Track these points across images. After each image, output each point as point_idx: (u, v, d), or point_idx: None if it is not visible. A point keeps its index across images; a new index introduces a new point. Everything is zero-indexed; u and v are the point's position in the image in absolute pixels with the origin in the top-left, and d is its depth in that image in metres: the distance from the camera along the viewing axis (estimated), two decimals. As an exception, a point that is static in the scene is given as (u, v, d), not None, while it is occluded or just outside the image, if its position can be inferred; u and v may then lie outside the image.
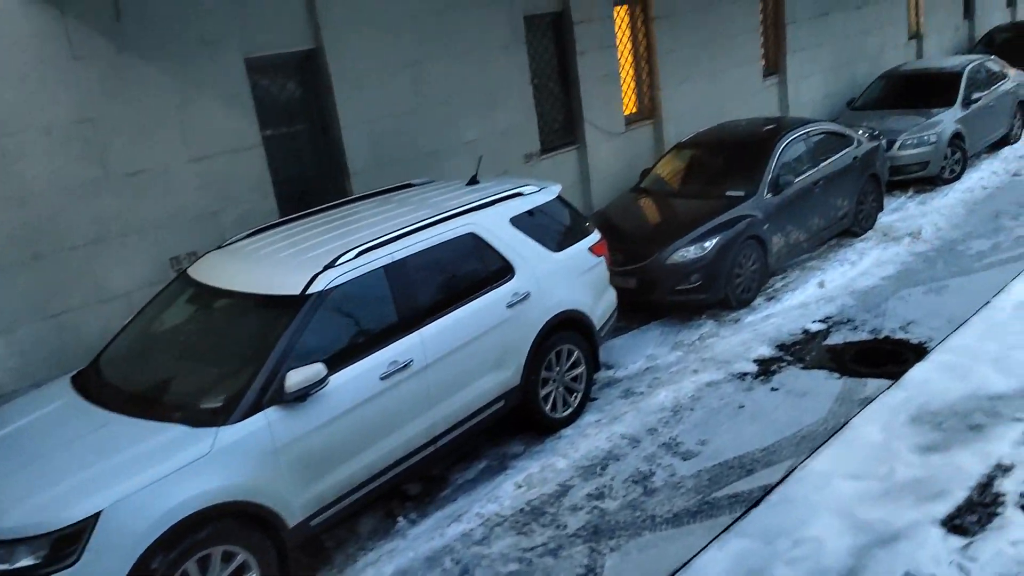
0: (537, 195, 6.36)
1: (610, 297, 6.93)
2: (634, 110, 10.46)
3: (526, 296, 5.93)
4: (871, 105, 12.69)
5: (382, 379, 4.97)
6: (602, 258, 6.73)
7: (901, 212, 10.79)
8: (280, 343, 4.58)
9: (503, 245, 5.91)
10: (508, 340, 5.81)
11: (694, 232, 8.08)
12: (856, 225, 9.95)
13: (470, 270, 5.76)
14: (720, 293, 8.14)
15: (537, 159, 9.01)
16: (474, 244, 5.78)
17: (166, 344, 5.17)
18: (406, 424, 5.15)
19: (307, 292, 4.80)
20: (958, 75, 12.28)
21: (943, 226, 10.01)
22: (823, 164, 9.33)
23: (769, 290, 8.77)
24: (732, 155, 9.27)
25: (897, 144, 11.36)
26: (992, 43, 16.51)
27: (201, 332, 5.15)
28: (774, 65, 12.62)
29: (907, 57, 15.60)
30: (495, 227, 5.91)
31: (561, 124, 9.48)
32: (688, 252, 7.99)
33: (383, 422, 5.00)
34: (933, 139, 11.37)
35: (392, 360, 5.04)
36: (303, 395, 4.51)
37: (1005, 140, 13.18)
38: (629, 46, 10.27)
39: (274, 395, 4.46)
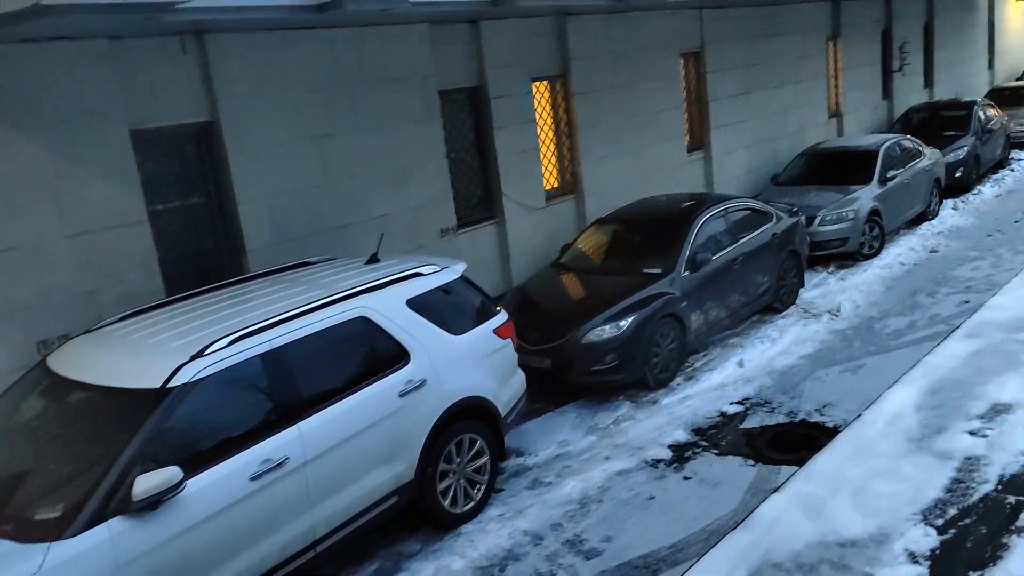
0: (438, 275, 6.09)
1: (518, 381, 6.64)
2: (556, 184, 10.38)
3: (422, 383, 5.60)
4: (793, 181, 12.88)
5: (252, 479, 4.55)
6: (508, 340, 6.46)
7: (822, 288, 10.82)
8: (132, 444, 4.15)
9: (398, 329, 5.59)
10: (401, 431, 5.45)
11: (609, 310, 7.89)
12: (778, 301, 9.91)
13: (360, 357, 5.43)
14: (637, 373, 7.92)
15: (454, 234, 8.80)
16: (365, 328, 5.45)
17: (10, 444, 4.67)
18: (281, 528, 4.72)
19: (168, 385, 4.39)
20: (874, 153, 12.56)
21: (861, 303, 10.04)
22: (742, 241, 9.30)
23: (689, 369, 8.59)
24: (650, 232, 9.19)
25: (817, 220, 11.48)
26: (909, 122, 17.07)
27: (51, 430, 4.67)
28: (698, 141, 12.76)
29: (828, 134, 16.01)
30: (389, 310, 5.60)
31: (479, 198, 9.31)
32: (603, 331, 7.77)
33: (253, 527, 4.56)
34: (851, 215, 11.52)
35: (265, 458, 4.63)
36: (154, 503, 4.07)
37: (923, 216, 13.46)
38: (550, 121, 10.24)
39: (120, 504, 4.01)
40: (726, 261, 8.98)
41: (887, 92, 18.37)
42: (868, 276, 11.07)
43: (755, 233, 9.53)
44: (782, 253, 9.87)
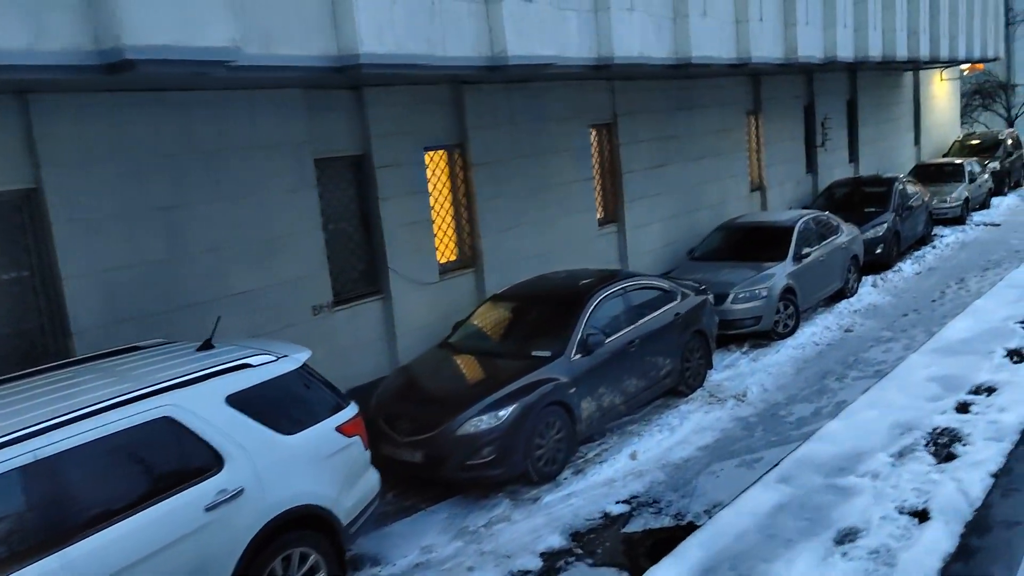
0: (271, 366, 5.43)
1: (368, 484, 5.95)
2: (453, 258, 9.85)
3: (237, 493, 4.89)
4: (709, 256, 12.57)
5: (-9, 624, 3.78)
6: (356, 438, 5.80)
7: (733, 369, 10.38)
8: None
9: (211, 431, 4.90)
10: (208, 550, 4.72)
11: (489, 398, 7.27)
12: (683, 384, 9.42)
13: (160, 465, 4.71)
14: (518, 468, 7.28)
15: (329, 311, 8.16)
16: (170, 431, 4.75)
17: None
18: None
19: None
20: (789, 230, 12.33)
21: (769, 387, 9.60)
22: (642, 321, 8.82)
23: (580, 460, 7.98)
24: (543, 311, 8.68)
25: (730, 298, 11.11)
26: (832, 197, 17.08)
27: None
28: (612, 214, 12.42)
29: (751, 208, 15.87)
30: (203, 408, 4.91)
31: (362, 273, 8.72)
32: (480, 422, 7.15)
33: None
34: (764, 293, 11.19)
35: (11, 596, 3.87)
36: None
37: (841, 293, 13.23)
38: (447, 192, 9.76)
39: None
40: (623, 343, 8.48)
41: (811, 166, 18.43)
42: (780, 357, 10.68)
43: (656, 313, 9.07)
44: (686, 334, 9.42)
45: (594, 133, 12.04)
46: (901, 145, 23.53)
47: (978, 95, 37.94)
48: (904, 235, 15.99)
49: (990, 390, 8.42)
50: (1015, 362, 9.06)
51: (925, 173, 20.93)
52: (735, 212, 15.08)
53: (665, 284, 9.53)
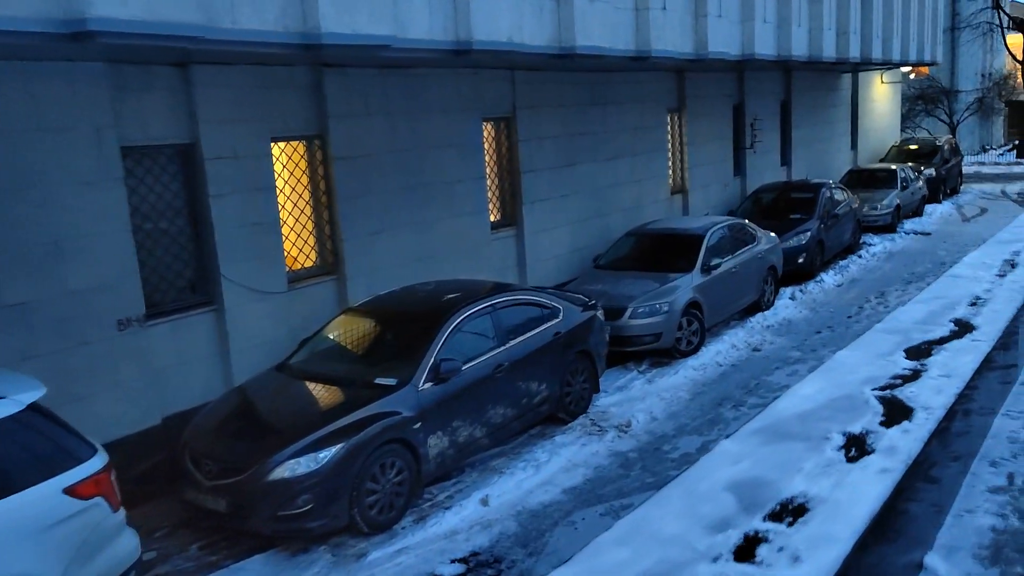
0: (-27, 413, 4.30)
1: (118, 555, 4.83)
2: (312, 263, 8.73)
3: None
4: (615, 264, 11.63)
5: None
6: (97, 499, 4.68)
7: (625, 393, 9.44)
8: None
9: None
10: None
11: (309, 437, 6.20)
12: (563, 411, 8.46)
13: None
14: (342, 518, 6.23)
15: (140, 325, 6.99)
16: None
17: None
18: None
19: None
20: (699, 238, 11.45)
21: (659, 415, 8.69)
22: (512, 343, 7.82)
23: (426, 504, 6.96)
24: (395, 331, 7.64)
25: (628, 312, 10.19)
26: (759, 202, 16.32)
27: None
28: (510, 216, 11.41)
29: (671, 212, 15.01)
30: None
31: (189, 280, 7.56)
32: (297, 465, 6.07)
33: None
34: (665, 308, 10.28)
35: None
36: None
37: (756, 307, 12.42)
38: (303, 189, 8.63)
39: None
40: (488, 368, 7.47)
41: (739, 169, 17.65)
42: (678, 379, 9.79)
43: (532, 333, 8.08)
44: (568, 355, 8.45)
45: (489, 127, 11.00)
46: (837, 149, 22.95)
47: (921, 100, 37.89)
48: (829, 244, 15.28)
49: (798, 512, 5.89)
50: (850, 458, 6.03)
51: (858, 179, 20.36)
52: (653, 216, 14.19)
53: (545, 299, 8.53)
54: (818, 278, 14.34)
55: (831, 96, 22.16)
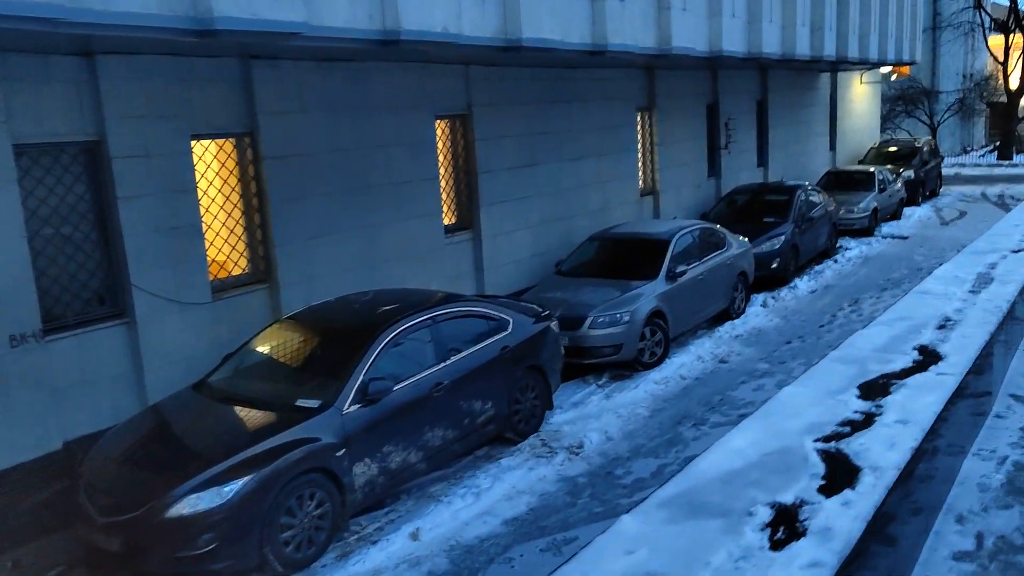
0: None
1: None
2: (238, 271, 8.11)
3: None
4: (577, 270, 11.06)
5: None
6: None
7: (580, 409, 8.88)
8: None
9: None
10: None
11: (215, 467, 5.59)
12: (511, 430, 7.89)
13: None
14: (251, 559, 5.63)
15: (38, 341, 6.35)
16: None
17: None
18: None
19: None
20: (664, 243, 10.90)
21: (615, 434, 8.13)
22: (454, 359, 7.23)
23: (353, 537, 6.37)
24: (324, 347, 7.03)
25: (587, 322, 9.63)
26: (732, 204, 15.81)
27: None
28: (466, 219, 10.82)
29: (640, 214, 14.48)
30: None
31: (96, 291, 6.92)
32: (199, 500, 5.46)
33: None
34: (627, 318, 9.72)
35: None
36: None
37: (726, 315, 11.89)
38: (231, 191, 8.00)
39: None
40: (425, 387, 6.88)
41: (714, 170, 17.14)
42: (638, 394, 9.23)
43: (476, 348, 7.50)
44: (517, 370, 7.88)
45: (443, 125, 10.41)
46: (814, 150, 22.51)
47: (901, 101, 37.61)
48: (804, 248, 14.79)
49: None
50: (773, 544, 4.11)
51: (835, 180, 19.92)
52: (621, 219, 13.66)
53: (493, 311, 7.95)
54: (792, 284, 13.85)
55: (808, 96, 21.71)
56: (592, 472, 7.36)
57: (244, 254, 8.11)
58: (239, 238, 8.08)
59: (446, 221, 10.50)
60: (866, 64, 21.23)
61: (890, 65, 23.62)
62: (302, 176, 8.33)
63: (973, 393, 6.81)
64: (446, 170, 10.53)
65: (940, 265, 12.16)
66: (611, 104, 13.32)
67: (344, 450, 6.14)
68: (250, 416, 6.27)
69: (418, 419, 6.81)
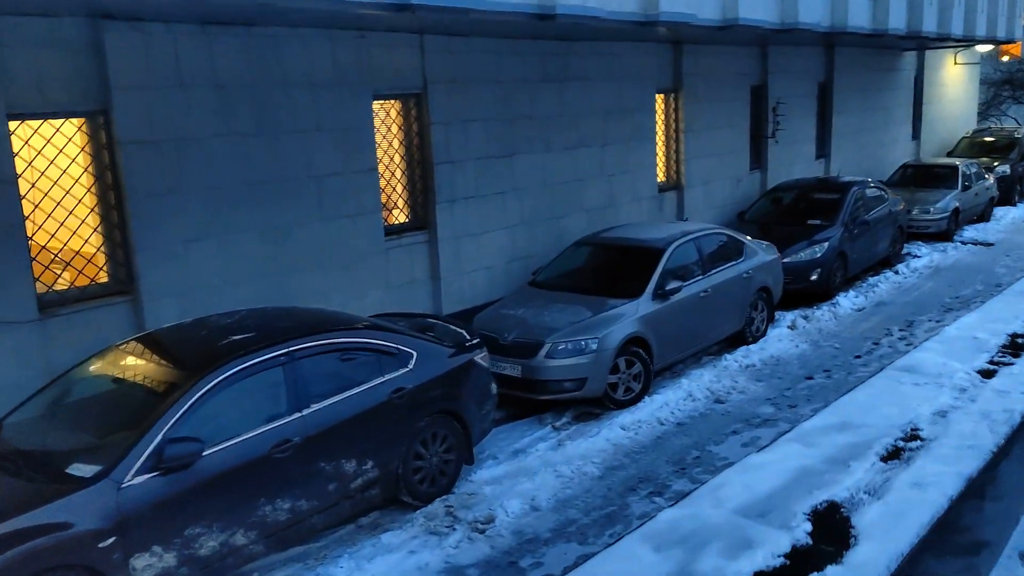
0: None
1: None
2: (91, 280, 6.68)
3: None
4: (554, 282, 9.25)
5: None
6: None
7: (518, 461, 7.14)
8: None
9: None
10: None
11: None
12: (411, 493, 6.26)
13: None
14: None
15: None
16: None
17: None
18: None
19: None
20: (656, 253, 8.98)
21: (543, 503, 6.37)
22: (315, 408, 5.62)
23: (140, 646, 4.86)
24: (132, 389, 5.49)
25: (544, 350, 7.87)
26: (776, 203, 13.61)
27: None
28: (421, 218, 9.16)
29: (659, 212, 12.50)
30: None
31: None
32: None
33: None
34: (593, 346, 7.90)
35: None
36: None
37: (740, 338, 9.89)
38: (75, 181, 6.56)
39: None
40: (261, 447, 5.30)
41: (759, 162, 14.92)
42: (597, 443, 7.42)
43: (353, 392, 5.88)
44: (419, 418, 6.23)
45: (389, 107, 8.75)
46: (893, 140, 19.81)
47: (1008, 85, 33.71)
48: (855, 257, 12.52)
49: None
50: None
51: (912, 175, 17.33)
52: (631, 217, 11.77)
53: (390, 341, 6.27)
54: (835, 300, 11.65)
55: (887, 78, 19.04)
56: (491, 561, 5.65)
57: (94, 261, 6.68)
58: (95, 242, 6.65)
59: (390, 220, 8.88)
60: (967, 42, 18.40)
61: (993, 43, 20.53)
62: (176, 165, 6.84)
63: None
64: (392, 160, 8.88)
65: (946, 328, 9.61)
66: (622, 84, 11.37)
67: (115, 539, 4.61)
68: (13, 483, 4.82)
69: (250, 489, 5.24)
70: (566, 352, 7.87)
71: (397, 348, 6.26)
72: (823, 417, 6.38)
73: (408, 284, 8.98)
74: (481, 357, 6.89)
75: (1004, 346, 9.02)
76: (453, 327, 7.22)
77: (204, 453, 5.00)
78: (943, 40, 16.08)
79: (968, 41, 17.73)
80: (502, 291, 9.76)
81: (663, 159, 12.74)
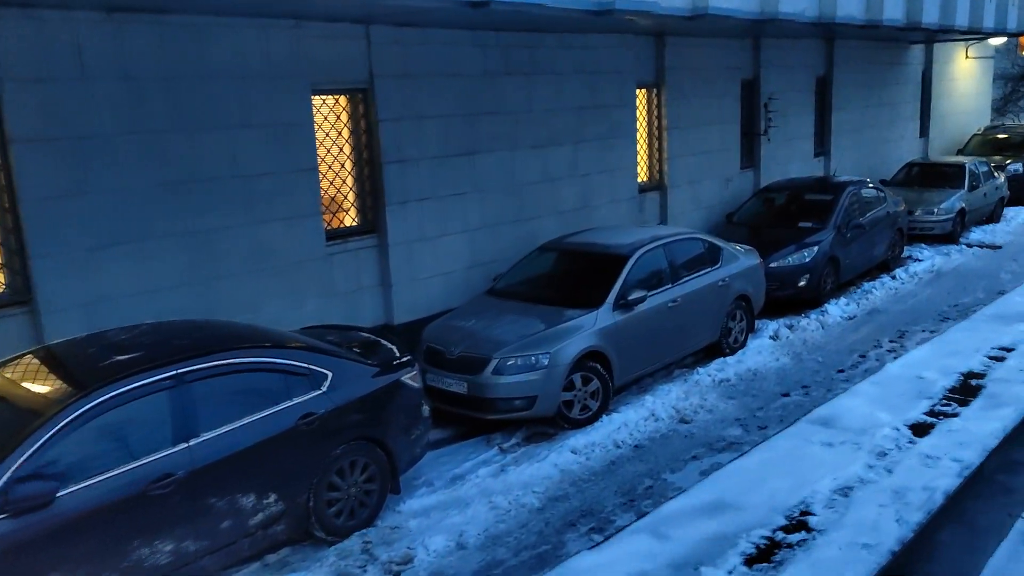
0: None
1: None
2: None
3: None
4: (513, 290, 8.64)
5: None
6: None
7: (454, 489, 6.53)
8: None
9: None
10: None
11: None
12: (323, 527, 5.70)
13: None
14: None
15: None
16: None
17: None
18: None
19: None
20: (619, 260, 8.33)
21: (470, 539, 5.77)
22: (204, 438, 5.05)
23: None
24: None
25: (491, 366, 7.26)
26: (767, 204, 12.90)
27: None
28: (369, 221, 8.56)
29: (640, 214, 11.84)
30: None
31: None
32: None
33: None
34: (544, 361, 7.29)
35: None
36: None
37: (716, 349, 9.24)
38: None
39: None
40: (136, 483, 4.73)
41: (751, 160, 14.21)
42: (543, 469, 6.80)
43: (252, 419, 5.29)
44: (334, 446, 5.65)
45: (332, 102, 8.16)
46: (899, 137, 19.01)
47: (1027, 81, 32.68)
48: (849, 261, 11.80)
49: None
50: None
51: (917, 175, 16.53)
52: (608, 220, 11.13)
53: (298, 363, 5.66)
54: (823, 308, 10.95)
55: (893, 72, 18.24)
56: (395, 612, 5.05)
57: (6, 273, 6.13)
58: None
59: (335, 224, 8.29)
60: (974, 34, 17.56)
61: (1004, 36, 19.63)
62: (80, 165, 6.28)
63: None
64: (336, 160, 8.29)
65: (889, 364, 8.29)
66: (597, 78, 10.72)
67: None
68: None
69: (121, 530, 4.67)
70: (515, 368, 7.25)
71: (309, 368, 5.67)
72: (697, 493, 5.19)
73: (355, 292, 8.39)
74: (411, 377, 6.29)
75: (952, 390, 7.50)
76: (386, 343, 6.62)
77: (61, 493, 4.43)
78: (948, 32, 15.26)
79: (975, 33, 16.87)
80: (461, 299, 9.15)
81: (645, 158, 12.08)
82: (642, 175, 12.00)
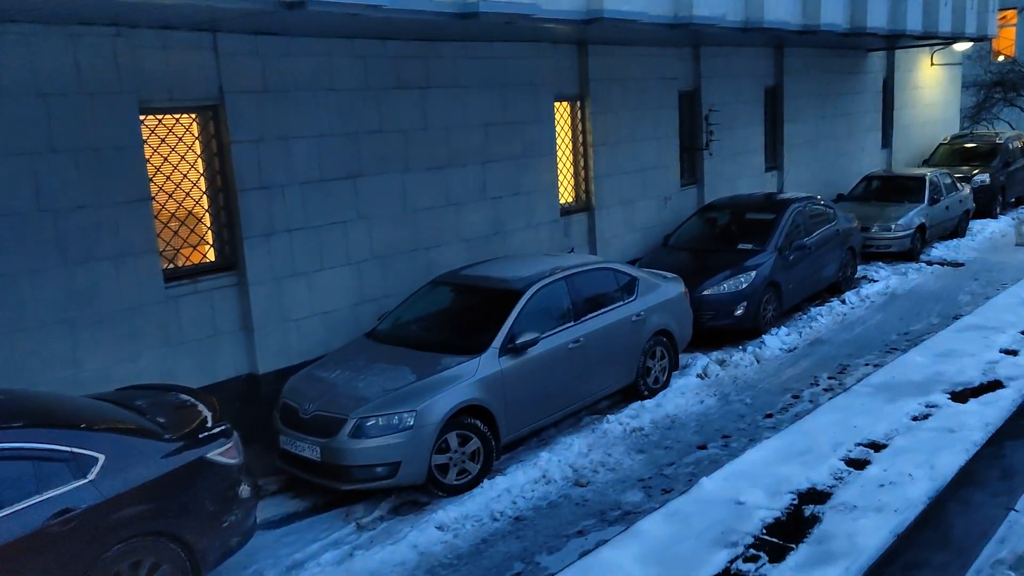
0: None
1: None
2: None
3: None
4: (396, 333, 7.58)
5: None
6: None
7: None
8: None
9: None
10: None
11: None
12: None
13: None
14: None
15: None
16: None
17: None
18: None
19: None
20: (512, 296, 7.28)
21: (277, 660, 4.68)
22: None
23: None
24: None
25: (348, 427, 6.20)
26: (712, 223, 11.91)
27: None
28: (229, 256, 7.49)
29: (565, 239, 10.81)
30: None
31: None
32: None
33: None
34: (409, 421, 6.22)
35: None
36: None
37: (633, 392, 8.20)
38: None
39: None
40: None
41: (694, 177, 13.23)
42: (397, 553, 5.72)
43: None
44: (100, 548, 4.56)
45: (166, 121, 7.09)
46: (859, 149, 18.08)
47: (1000, 87, 31.94)
48: (794, 285, 10.81)
49: None
50: None
51: (876, 188, 15.64)
52: (525, 246, 10.11)
53: (55, 446, 4.54)
54: (761, 339, 9.93)
55: (850, 81, 17.34)
56: None
57: None
58: None
59: (180, 262, 7.21)
60: (932, 40, 16.69)
61: (963, 40, 18.79)
62: None
63: None
64: (180, 188, 7.22)
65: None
66: (507, 92, 9.71)
67: None
68: None
69: None
70: (376, 429, 6.19)
71: (71, 452, 4.57)
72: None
73: (208, 339, 7.30)
74: (223, 452, 5.20)
75: (770, 527, 5.36)
76: (204, 407, 5.54)
77: None
78: (900, 37, 14.37)
79: (931, 38, 16.01)
80: (345, 339, 8.06)
81: (569, 177, 11.07)
82: (566, 196, 10.99)
